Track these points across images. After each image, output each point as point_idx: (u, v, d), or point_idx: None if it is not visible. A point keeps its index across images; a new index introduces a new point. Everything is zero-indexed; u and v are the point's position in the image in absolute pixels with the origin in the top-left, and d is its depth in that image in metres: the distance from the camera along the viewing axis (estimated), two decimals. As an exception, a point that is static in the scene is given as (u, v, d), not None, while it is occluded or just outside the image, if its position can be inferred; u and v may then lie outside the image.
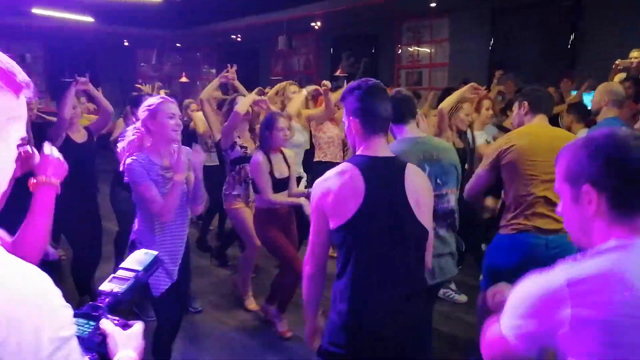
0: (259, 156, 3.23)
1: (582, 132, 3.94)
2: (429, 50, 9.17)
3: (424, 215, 1.68)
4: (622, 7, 6.52)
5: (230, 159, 3.64)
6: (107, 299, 0.93)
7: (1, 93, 0.70)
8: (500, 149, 2.50)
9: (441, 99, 6.00)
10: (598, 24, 6.73)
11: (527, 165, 2.42)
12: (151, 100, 2.43)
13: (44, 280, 0.66)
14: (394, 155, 1.76)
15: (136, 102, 3.47)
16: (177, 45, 13.44)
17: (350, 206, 1.61)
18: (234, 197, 3.66)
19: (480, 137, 4.09)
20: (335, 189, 1.64)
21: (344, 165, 1.70)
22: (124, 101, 11.35)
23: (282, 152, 3.37)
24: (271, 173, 3.23)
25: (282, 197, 3.32)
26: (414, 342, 1.66)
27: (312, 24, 9.41)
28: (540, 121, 2.56)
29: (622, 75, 5.28)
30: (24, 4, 8.25)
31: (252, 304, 3.76)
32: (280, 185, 3.30)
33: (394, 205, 1.65)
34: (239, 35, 11.28)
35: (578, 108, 4.42)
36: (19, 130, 0.74)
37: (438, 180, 2.27)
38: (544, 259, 2.31)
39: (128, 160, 2.34)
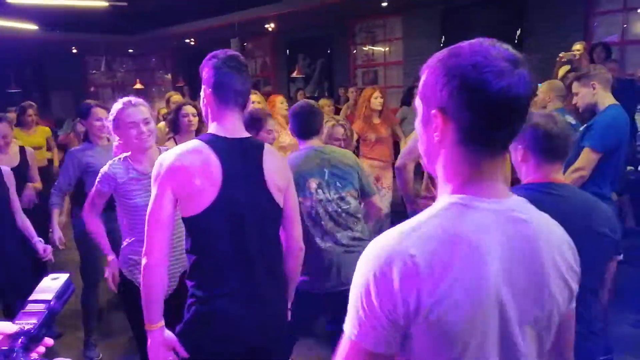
0: None
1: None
2: (383, 50, 9.30)
3: (279, 194, 1.67)
4: (564, 3, 6.80)
5: None
6: (19, 340, 0.84)
7: None
8: None
9: (405, 98, 6.09)
10: (542, 20, 6.99)
11: None
12: (114, 107, 2.26)
13: None
14: (249, 135, 1.68)
15: (82, 113, 3.32)
16: (130, 50, 13.08)
17: (207, 193, 1.52)
18: None
19: None
20: (190, 170, 1.51)
21: (196, 144, 1.57)
22: (77, 109, 10.98)
23: None
24: None
25: None
26: (272, 331, 1.65)
27: (267, 25, 9.35)
28: None
29: (567, 67, 5.48)
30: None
31: None
32: None
33: (251, 188, 1.59)
34: (192, 39, 11.08)
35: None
36: None
37: (337, 183, 2.33)
38: None
39: (104, 168, 2.23)
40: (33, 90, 12.00)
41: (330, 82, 10.03)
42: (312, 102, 2.53)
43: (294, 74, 9.86)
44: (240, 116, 1.63)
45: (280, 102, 4.18)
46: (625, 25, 6.76)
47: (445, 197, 0.84)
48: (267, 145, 1.69)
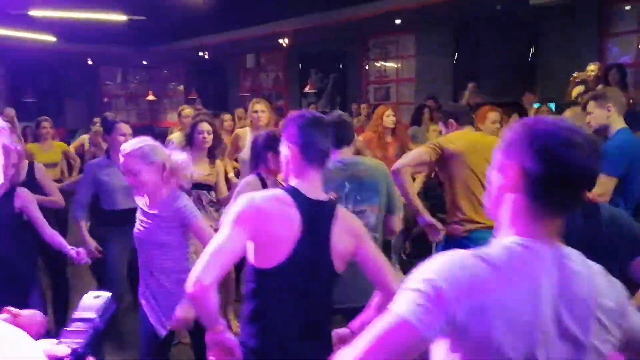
0: (250, 179, 2.71)
1: None
2: (395, 66, 9.35)
3: (340, 262, 1.67)
4: (576, 23, 6.84)
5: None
6: (67, 359, 0.86)
7: None
8: (442, 144, 2.75)
9: (414, 116, 6.10)
10: (555, 39, 7.02)
11: (473, 163, 2.65)
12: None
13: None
14: (327, 198, 1.72)
15: (106, 129, 3.40)
16: (143, 62, 13.25)
17: (283, 246, 1.56)
18: None
19: None
20: (274, 217, 1.56)
21: (283, 194, 1.62)
22: (90, 119, 11.19)
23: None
24: None
25: None
26: None
27: (280, 40, 9.46)
28: (469, 130, 2.89)
29: (581, 88, 5.49)
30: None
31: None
32: None
33: (317, 252, 1.62)
34: (206, 53, 11.22)
35: None
36: None
37: (357, 197, 2.36)
38: None
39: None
40: (48, 100, 12.19)
41: (343, 98, 10.09)
42: (343, 113, 2.60)
43: (307, 89, 9.93)
44: (320, 175, 1.70)
45: None
46: (639, 47, 6.77)
47: (508, 238, 0.99)
48: (339, 209, 1.72)
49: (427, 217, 2.79)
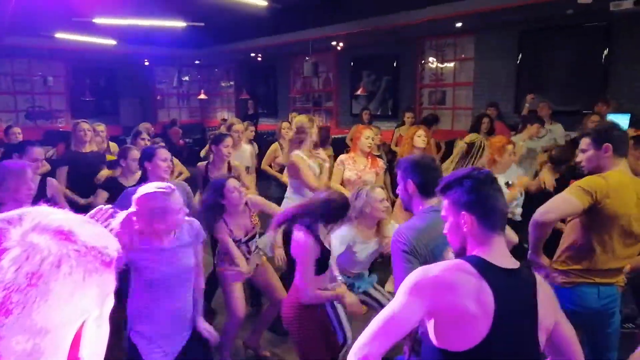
0: (307, 237, 2.51)
1: None
2: (452, 66, 8.99)
3: (543, 338, 1.44)
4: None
5: None
6: None
7: (102, 275, 0.64)
8: (599, 196, 2.30)
9: (473, 126, 5.88)
10: (629, 44, 6.58)
11: (616, 221, 2.34)
12: (146, 191, 2.22)
13: None
14: (518, 265, 1.47)
15: (147, 155, 3.22)
16: (196, 62, 13.49)
17: (478, 325, 1.32)
18: (227, 259, 3.19)
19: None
20: (462, 291, 1.33)
21: (462, 264, 1.40)
22: (143, 116, 11.48)
23: None
24: (322, 250, 2.55)
25: (326, 293, 2.65)
26: None
27: (334, 43, 9.34)
28: (625, 168, 2.43)
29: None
30: (48, 28, 8.32)
31: None
32: (325, 263, 2.65)
33: (521, 332, 1.39)
34: (259, 55, 11.28)
35: None
36: (112, 301, 0.69)
37: None
38: (597, 307, 2.40)
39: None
40: (104, 99, 12.62)
41: (395, 101, 9.86)
42: (432, 156, 2.35)
43: (359, 92, 9.75)
44: (504, 238, 1.49)
45: (365, 137, 4.06)
46: None
47: None
48: (538, 278, 1.49)
49: (546, 265, 2.53)
